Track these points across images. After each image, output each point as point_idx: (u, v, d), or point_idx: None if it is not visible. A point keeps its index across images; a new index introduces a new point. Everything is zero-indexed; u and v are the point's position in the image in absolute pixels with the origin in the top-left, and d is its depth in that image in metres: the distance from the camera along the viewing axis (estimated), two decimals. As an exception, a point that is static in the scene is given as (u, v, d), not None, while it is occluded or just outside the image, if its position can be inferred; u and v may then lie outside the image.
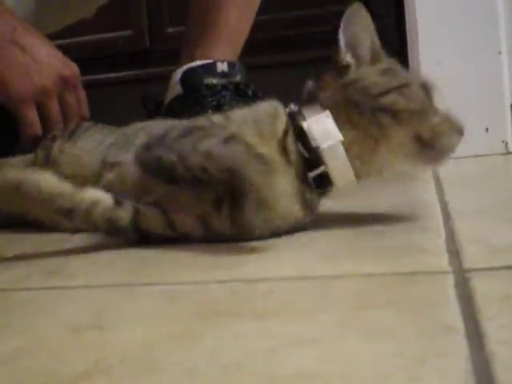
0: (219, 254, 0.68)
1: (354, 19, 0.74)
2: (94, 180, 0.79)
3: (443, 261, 0.58)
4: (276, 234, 0.72)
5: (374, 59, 0.75)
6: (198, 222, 0.72)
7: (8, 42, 0.95)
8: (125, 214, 0.72)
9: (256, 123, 0.74)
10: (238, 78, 1.07)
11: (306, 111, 0.73)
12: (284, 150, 0.72)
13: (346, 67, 0.74)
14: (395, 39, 1.49)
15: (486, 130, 1.39)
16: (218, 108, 0.99)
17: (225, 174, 0.65)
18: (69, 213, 0.70)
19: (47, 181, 0.69)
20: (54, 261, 0.72)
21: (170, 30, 1.75)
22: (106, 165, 0.80)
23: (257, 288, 0.55)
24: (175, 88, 1.08)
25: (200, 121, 0.78)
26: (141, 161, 0.73)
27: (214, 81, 1.05)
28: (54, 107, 1.00)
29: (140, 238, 0.74)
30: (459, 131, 0.73)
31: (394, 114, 0.71)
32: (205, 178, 0.68)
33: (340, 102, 0.73)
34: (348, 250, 0.67)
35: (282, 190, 0.71)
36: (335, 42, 0.74)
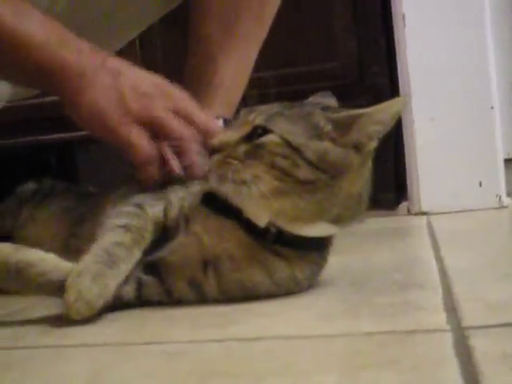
0: (215, 311, 0.68)
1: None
2: None
3: (441, 319, 0.58)
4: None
5: None
6: (189, 287, 0.72)
7: (98, 67, 0.84)
8: (130, 288, 0.72)
9: None
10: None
11: None
12: None
13: None
14: (388, 97, 1.50)
15: (480, 184, 1.40)
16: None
17: None
18: None
19: (53, 264, 0.69)
20: (51, 318, 0.71)
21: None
22: None
23: (254, 347, 0.55)
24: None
25: None
26: None
27: (211, 139, 1.06)
28: (168, 119, 0.84)
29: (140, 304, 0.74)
30: None
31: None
32: None
33: None
34: (346, 307, 0.66)
35: None
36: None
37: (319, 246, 0.73)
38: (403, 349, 0.51)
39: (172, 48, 1.70)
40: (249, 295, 0.71)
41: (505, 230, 1.23)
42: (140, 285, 0.72)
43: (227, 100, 1.11)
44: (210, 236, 0.72)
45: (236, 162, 0.68)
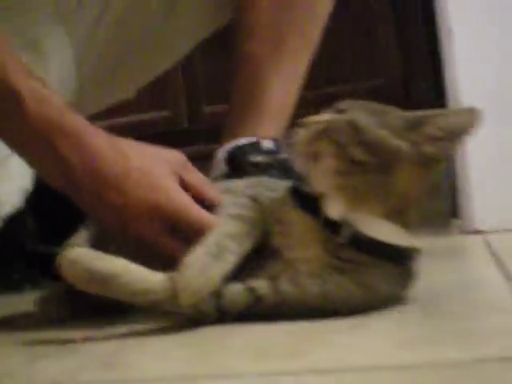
0: (277, 340, 0.64)
1: None
2: None
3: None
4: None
5: None
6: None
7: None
8: (208, 297, 0.70)
9: None
10: (283, 155, 1.04)
11: None
12: None
13: None
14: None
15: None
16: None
17: None
18: (156, 304, 0.70)
19: (137, 274, 0.69)
20: (106, 349, 0.69)
21: (207, 109, 1.75)
22: None
23: (331, 381, 0.51)
24: (219, 166, 1.05)
25: None
26: None
27: (260, 158, 1.03)
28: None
29: (217, 318, 0.72)
30: None
31: None
32: None
33: None
34: (424, 333, 0.62)
35: None
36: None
37: (396, 258, 0.71)
38: (494, 378, 0.47)
39: (213, 68, 1.69)
40: (324, 307, 0.69)
41: None
42: (220, 293, 0.71)
43: (276, 120, 1.08)
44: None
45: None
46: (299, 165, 0.74)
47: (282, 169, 1.03)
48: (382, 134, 0.70)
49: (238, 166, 1.04)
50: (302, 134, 0.73)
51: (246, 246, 0.72)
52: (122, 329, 0.74)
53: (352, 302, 0.69)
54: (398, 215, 0.70)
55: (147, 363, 0.62)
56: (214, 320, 0.71)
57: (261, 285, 0.71)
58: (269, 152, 1.03)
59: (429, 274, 0.89)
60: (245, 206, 0.75)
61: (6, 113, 0.77)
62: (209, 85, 1.75)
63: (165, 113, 1.78)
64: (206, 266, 0.69)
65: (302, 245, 0.72)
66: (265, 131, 1.06)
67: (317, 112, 0.75)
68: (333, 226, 0.70)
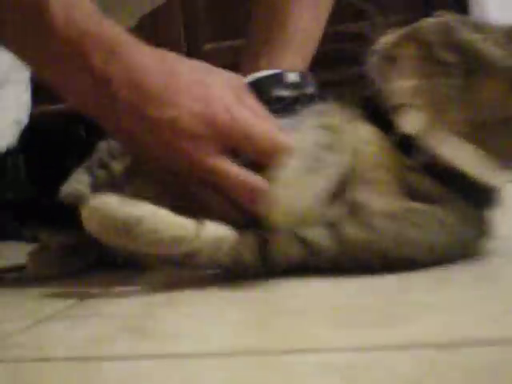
0: (357, 304, 0.53)
1: None
2: None
3: None
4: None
5: None
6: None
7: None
8: (249, 250, 0.60)
9: None
10: (310, 90, 0.95)
11: None
12: None
13: None
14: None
15: None
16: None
17: None
18: (190, 256, 0.60)
19: (166, 220, 0.58)
20: (136, 309, 0.58)
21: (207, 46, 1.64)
22: None
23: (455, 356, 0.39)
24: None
25: None
26: None
27: (285, 93, 0.93)
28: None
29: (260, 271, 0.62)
30: None
31: None
32: None
33: None
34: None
35: None
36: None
37: (480, 197, 0.61)
38: None
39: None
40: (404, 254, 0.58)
41: None
42: (265, 243, 0.61)
43: (302, 47, 0.98)
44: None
45: None
46: (377, 71, 0.64)
47: (310, 104, 0.93)
48: (475, 37, 0.60)
49: (261, 100, 0.94)
50: (387, 37, 0.64)
51: (346, 158, 0.61)
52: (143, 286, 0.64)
53: (434, 249, 0.60)
54: (482, 139, 0.60)
55: (194, 330, 0.50)
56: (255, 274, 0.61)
57: (319, 232, 0.60)
58: (295, 85, 0.94)
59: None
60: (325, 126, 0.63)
61: (28, 22, 0.65)
62: (211, 19, 1.63)
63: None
64: (304, 179, 0.58)
65: (373, 170, 0.61)
66: (290, 63, 0.96)
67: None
68: (408, 147, 0.61)
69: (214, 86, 0.67)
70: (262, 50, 0.97)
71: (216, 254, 0.60)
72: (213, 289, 0.61)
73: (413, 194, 0.61)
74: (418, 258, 0.59)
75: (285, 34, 0.97)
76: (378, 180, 0.61)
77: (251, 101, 0.70)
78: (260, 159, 0.64)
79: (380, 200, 0.60)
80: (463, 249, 0.61)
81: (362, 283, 0.58)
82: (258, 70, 0.94)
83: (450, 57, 0.60)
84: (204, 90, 0.66)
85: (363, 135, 0.63)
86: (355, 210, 0.61)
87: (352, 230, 0.60)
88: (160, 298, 0.61)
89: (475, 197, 0.61)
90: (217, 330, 0.49)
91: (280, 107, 0.92)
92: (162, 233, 0.58)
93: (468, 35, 0.60)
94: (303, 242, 0.60)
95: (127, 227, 0.57)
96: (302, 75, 0.95)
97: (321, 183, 0.59)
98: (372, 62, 0.64)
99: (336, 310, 0.51)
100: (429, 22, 0.63)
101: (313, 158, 0.59)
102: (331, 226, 0.61)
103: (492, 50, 0.59)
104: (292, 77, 0.94)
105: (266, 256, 0.61)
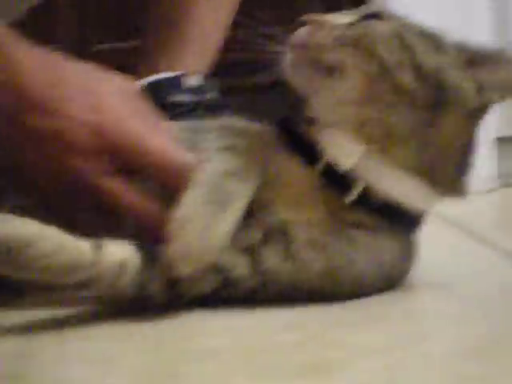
0: (279, 337, 0.46)
1: None
2: None
3: None
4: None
5: None
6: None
7: None
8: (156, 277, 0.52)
9: None
10: (212, 95, 0.86)
11: None
12: None
13: None
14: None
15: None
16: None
17: None
18: (87, 285, 0.50)
19: (59, 242, 0.49)
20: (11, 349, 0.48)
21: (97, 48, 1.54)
22: None
23: None
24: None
25: None
26: None
27: (184, 98, 0.84)
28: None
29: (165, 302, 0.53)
30: None
31: None
32: None
33: None
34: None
35: None
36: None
37: (412, 225, 0.56)
38: None
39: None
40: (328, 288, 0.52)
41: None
42: None
43: (203, 53, 0.90)
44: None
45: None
46: (299, 80, 0.55)
47: (211, 111, 0.85)
48: (443, 61, 0.53)
49: (155, 107, 0.84)
50: (318, 35, 0.54)
51: (253, 183, 0.54)
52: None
53: (364, 282, 0.53)
54: (430, 171, 0.54)
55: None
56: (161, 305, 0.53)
57: (235, 262, 0.52)
58: (195, 90, 0.85)
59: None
60: (233, 133, 0.56)
61: None
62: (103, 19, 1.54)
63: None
64: (209, 219, 0.50)
65: (296, 204, 0.54)
66: (188, 65, 0.87)
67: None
68: (339, 180, 0.53)
69: (105, 94, 0.59)
70: (159, 49, 0.88)
71: (118, 282, 0.51)
72: (110, 322, 0.52)
73: (342, 222, 0.54)
74: (345, 290, 0.53)
75: (184, 34, 0.89)
76: (302, 204, 0.53)
77: (145, 110, 0.62)
78: (154, 177, 0.56)
79: (304, 227, 0.52)
80: (391, 280, 0.54)
81: (287, 317, 0.51)
82: (156, 71, 0.86)
83: (412, 84, 0.52)
84: (93, 99, 0.57)
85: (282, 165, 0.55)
86: (276, 237, 0.53)
87: (272, 261, 0.53)
88: (42, 335, 0.51)
89: (404, 222, 0.56)
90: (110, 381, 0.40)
91: (178, 114, 0.83)
92: (53, 258, 0.48)
93: (430, 58, 0.53)
94: (217, 270, 0.52)
95: (12, 252, 0.47)
96: (204, 78, 0.86)
97: (225, 217, 0.51)
98: (293, 65, 0.55)
99: (257, 353, 0.43)
100: (379, 31, 0.54)
101: (216, 188, 0.52)
102: (248, 252, 0.53)
103: (458, 82, 0.53)
104: (192, 80, 0.85)
105: (175, 284, 0.52)
